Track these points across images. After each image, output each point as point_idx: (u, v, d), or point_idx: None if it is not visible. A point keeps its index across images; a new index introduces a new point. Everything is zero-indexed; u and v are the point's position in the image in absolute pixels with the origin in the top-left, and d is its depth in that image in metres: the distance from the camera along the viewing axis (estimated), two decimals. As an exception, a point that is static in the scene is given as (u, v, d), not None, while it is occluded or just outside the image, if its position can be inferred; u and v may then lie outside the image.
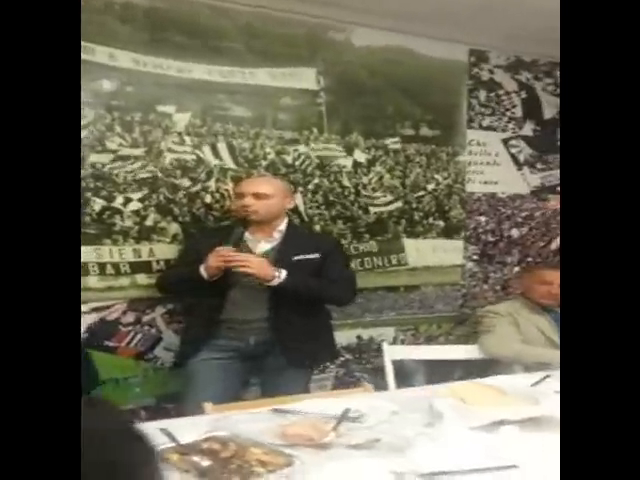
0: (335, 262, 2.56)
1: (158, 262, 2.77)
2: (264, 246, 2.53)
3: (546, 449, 1.54)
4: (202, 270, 2.39)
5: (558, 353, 2.67)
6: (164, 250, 2.78)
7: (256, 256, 2.45)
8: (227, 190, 2.88)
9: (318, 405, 1.87)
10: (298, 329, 2.49)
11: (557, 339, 2.88)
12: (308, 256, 2.51)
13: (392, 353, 2.85)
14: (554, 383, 2.14)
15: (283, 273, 2.40)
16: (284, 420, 1.77)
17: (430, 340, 3.48)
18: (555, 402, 1.85)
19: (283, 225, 2.57)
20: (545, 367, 2.51)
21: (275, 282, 2.39)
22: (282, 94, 2.99)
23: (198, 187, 2.84)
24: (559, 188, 3.73)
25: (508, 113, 3.55)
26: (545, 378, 2.24)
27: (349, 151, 3.15)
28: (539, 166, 3.67)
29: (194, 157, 2.82)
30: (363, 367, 3.30)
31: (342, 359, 3.21)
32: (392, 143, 3.25)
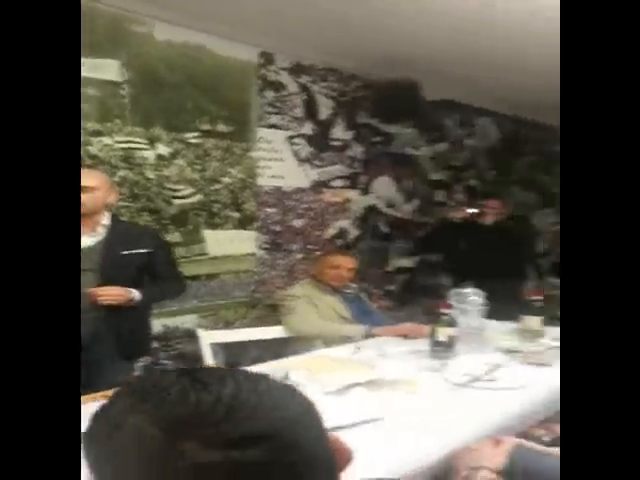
0: (165, 257, 2.62)
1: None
2: (87, 241, 2.47)
3: (390, 405, 1.86)
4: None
5: (355, 327, 3.07)
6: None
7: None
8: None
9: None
10: (127, 320, 2.50)
11: (348, 316, 3.27)
12: (135, 251, 2.52)
13: (207, 338, 2.98)
14: (367, 351, 2.51)
15: (136, 294, 2.43)
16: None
17: (228, 325, 3.66)
18: (385, 365, 2.21)
19: (106, 219, 2.54)
20: (346, 340, 2.88)
21: (132, 303, 2.41)
22: (85, 84, 2.90)
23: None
24: (334, 182, 4.18)
25: (291, 113, 3.87)
26: (359, 349, 2.59)
27: (152, 144, 3.18)
28: (317, 162, 4.06)
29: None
30: (170, 354, 3.37)
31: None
32: (192, 137, 3.35)
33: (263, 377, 0.63)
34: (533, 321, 2.83)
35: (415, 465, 1.53)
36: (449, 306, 2.55)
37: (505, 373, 2.21)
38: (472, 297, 2.63)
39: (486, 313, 2.69)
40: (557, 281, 6.34)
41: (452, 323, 2.48)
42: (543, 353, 2.46)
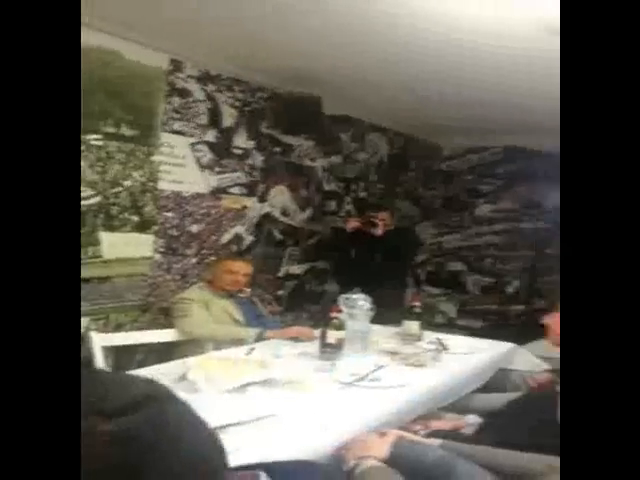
0: None
1: None
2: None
3: (284, 403, 2.02)
4: None
5: (248, 330, 3.21)
6: None
7: None
8: None
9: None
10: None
11: (242, 319, 3.41)
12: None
13: (98, 341, 3.01)
14: (260, 353, 2.67)
15: None
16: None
17: (119, 328, 3.68)
18: (278, 365, 2.37)
19: None
20: (238, 343, 3.01)
21: None
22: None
23: None
24: (232, 189, 4.31)
25: (196, 120, 3.96)
26: (252, 350, 2.74)
27: (52, 145, 3.16)
28: (217, 169, 4.17)
29: None
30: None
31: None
32: (94, 139, 3.37)
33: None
34: (412, 326, 3.11)
35: (308, 457, 1.70)
36: (339, 310, 2.76)
37: (387, 373, 2.44)
38: (360, 302, 2.85)
39: (371, 318, 2.92)
40: (433, 289, 6.80)
41: (341, 326, 2.68)
42: (420, 355, 2.72)
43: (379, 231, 4.59)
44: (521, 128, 6.01)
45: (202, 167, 4.06)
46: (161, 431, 0.74)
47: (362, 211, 5.07)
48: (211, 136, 4.09)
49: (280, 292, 4.88)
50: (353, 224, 4.66)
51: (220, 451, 0.82)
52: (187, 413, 0.80)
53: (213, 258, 4.11)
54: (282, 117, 4.52)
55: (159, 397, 0.78)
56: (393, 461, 1.72)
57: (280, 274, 4.87)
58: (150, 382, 0.80)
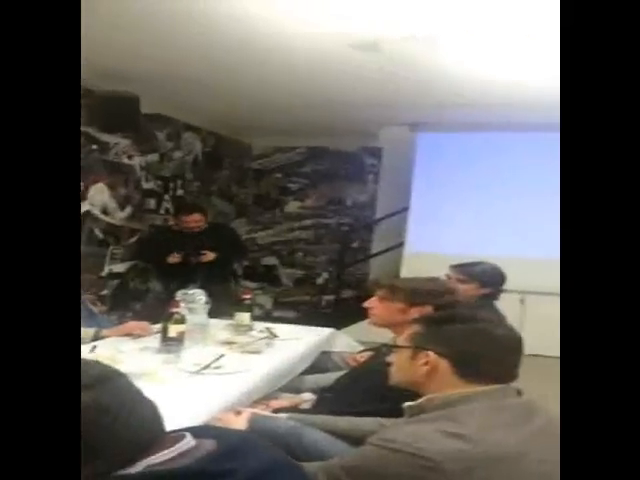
0: None
1: None
2: None
3: (145, 392, 2.12)
4: None
5: (84, 330, 3.18)
6: None
7: None
8: None
9: None
10: None
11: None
12: None
13: None
14: (104, 350, 2.70)
15: None
16: None
17: None
18: (126, 360, 2.44)
19: None
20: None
21: None
22: None
23: None
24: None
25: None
26: (95, 348, 2.76)
27: None
28: None
29: None
30: None
31: None
32: None
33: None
34: (244, 317, 3.31)
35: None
36: (178, 305, 2.87)
37: (228, 361, 2.61)
38: (198, 297, 2.99)
39: (208, 311, 3.08)
40: (250, 283, 7.07)
41: (182, 320, 2.80)
42: (255, 343, 2.94)
43: (197, 228, 4.74)
44: (324, 130, 6.50)
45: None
46: (118, 400, 0.90)
47: (178, 211, 5.14)
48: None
49: (104, 291, 4.82)
50: (175, 222, 4.76)
51: (159, 417, 0.99)
52: (133, 387, 0.96)
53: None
54: (98, 115, 4.46)
55: (112, 375, 0.94)
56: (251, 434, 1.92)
57: (103, 273, 4.80)
58: (101, 364, 0.95)
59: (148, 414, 0.95)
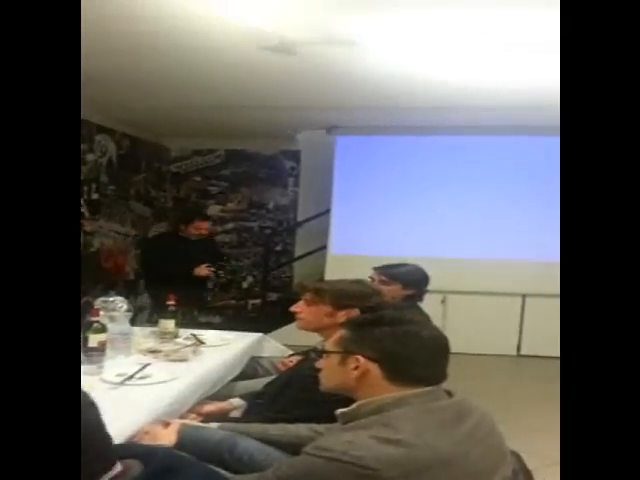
0: None
1: None
2: None
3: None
4: None
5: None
6: None
7: None
8: None
9: None
10: None
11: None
12: None
13: None
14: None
15: None
16: None
17: None
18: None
19: None
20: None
21: None
22: None
23: None
24: None
25: None
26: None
27: None
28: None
29: None
30: None
31: None
32: None
33: None
34: (168, 324, 3.23)
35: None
36: (98, 314, 2.77)
37: (154, 370, 2.53)
38: (119, 304, 2.90)
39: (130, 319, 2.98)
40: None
41: (102, 330, 2.70)
42: (181, 351, 2.87)
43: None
44: (242, 133, 6.47)
45: None
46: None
47: (189, 217, 4.89)
48: None
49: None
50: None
51: (102, 424, 0.94)
52: (85, 397, 0.91)
53: None
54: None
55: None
56: (182, 446, 1.87)
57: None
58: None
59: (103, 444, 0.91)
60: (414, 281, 3.22)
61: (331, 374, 1.52)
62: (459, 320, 5.63)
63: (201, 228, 4.73)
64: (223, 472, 1.70)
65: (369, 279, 3.11)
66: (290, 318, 2.62)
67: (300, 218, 6.69)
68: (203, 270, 4.60)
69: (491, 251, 5.92)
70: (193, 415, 2.31)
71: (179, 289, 3.45)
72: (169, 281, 4.14)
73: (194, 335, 3.18)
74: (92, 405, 0.93)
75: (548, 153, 5.86)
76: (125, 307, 2.93)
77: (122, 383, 2.36)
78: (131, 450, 1.06)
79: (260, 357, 3.26)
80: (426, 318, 2.73)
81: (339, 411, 1.44)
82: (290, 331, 3.75)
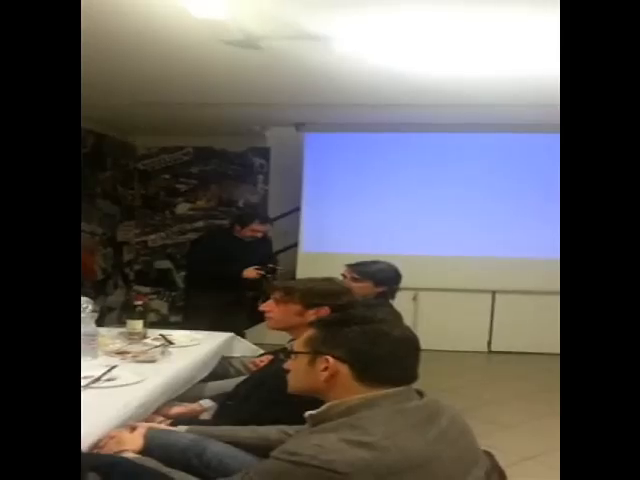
0: None
1: None
2: None
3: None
4: None
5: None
6: None
7: None
8: None
9: None
10: None
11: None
12: None
13: None
14: None
15: None
16: None
17: None
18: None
19: None
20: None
21: None
22: None
23: None
24: None
25: None
26: None
27: None
28: None
29: None
30: None
31: None
32: None
33: None
34: (136, 324, 3.17)
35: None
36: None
37: (122, 372, 2.48)
38: (84, 305, 2.82)
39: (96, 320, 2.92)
40: (143, 288, 6.83)
41: (67, 332, 2.64)
42: (149, 351, 2.82)
43: None
44: (210, 130, 6.41)
45: None
46: None
47: (249, 219, 4.86)
48: None
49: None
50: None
51: None
52: None
53: None
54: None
55: None
56: (149, 451, 1.83)
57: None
58: None
59: None
60: (386, 279, 3.22)
61: (300, 375, 1.48)
62: (431, 317, 5.66)
63: (257, 230, 4.68)
64: (191, 478, 1.67)
65: (341, 276, 3.10)
66: (261, 317, 2.60)
67: (270, 216, 6.66)
68: (251, 272, 4.54)
69: (461, 248, 5.96)
70: (161, 418, 2.26)
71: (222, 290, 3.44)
72: (213, 281, 4.21)
73: (163, 335, 3.13)
74: None
75: (521, 150, 5.93)
76: (90, 308, 2.85)
77: (88, 386, 2.30)
78: (92, 461, 1.02)
79: (231, 357, 3.22)
80: (397, 316, 2.73)
81: (308, 413, 1.42)
82: (261, 330, 3.72)
